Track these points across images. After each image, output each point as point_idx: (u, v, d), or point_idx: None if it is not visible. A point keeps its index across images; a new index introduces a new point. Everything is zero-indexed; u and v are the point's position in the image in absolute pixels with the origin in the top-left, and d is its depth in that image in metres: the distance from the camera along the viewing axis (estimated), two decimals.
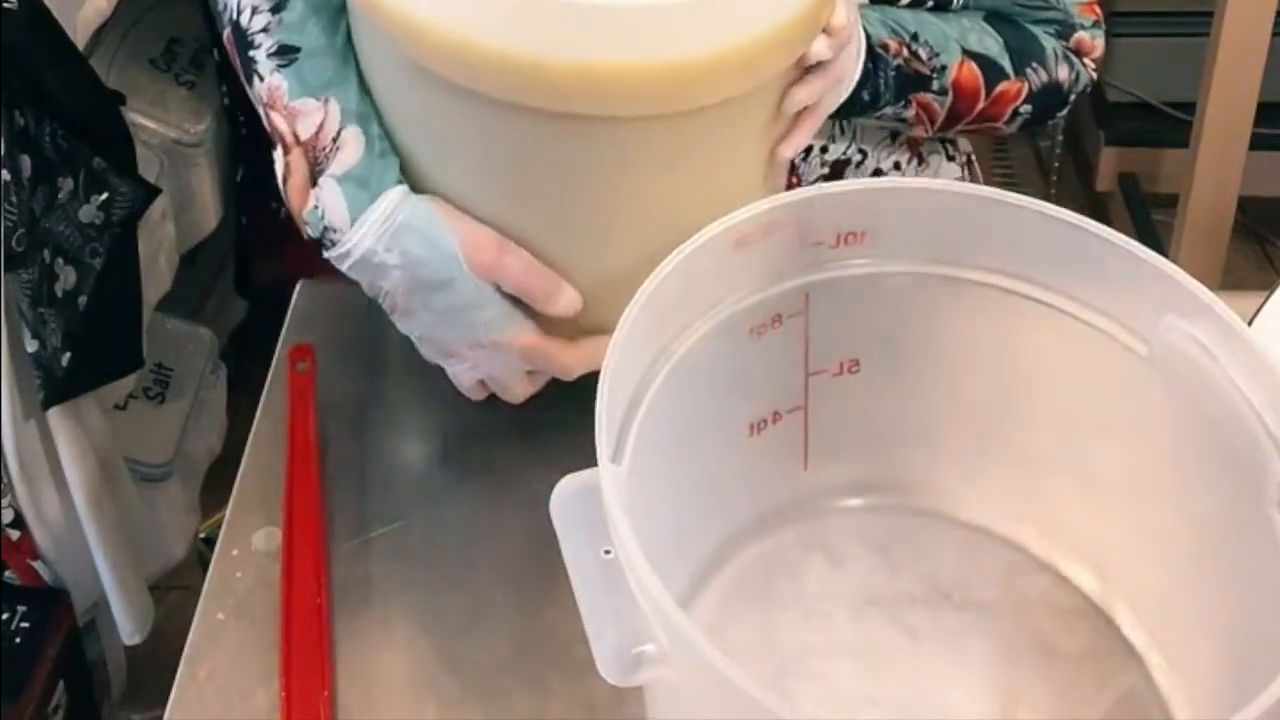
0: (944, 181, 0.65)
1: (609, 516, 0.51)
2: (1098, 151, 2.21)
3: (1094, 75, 0.93)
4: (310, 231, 0.67)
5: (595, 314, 0.69)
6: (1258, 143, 1.78)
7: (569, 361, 0.70)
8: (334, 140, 0.66)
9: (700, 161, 0.67)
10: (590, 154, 0.64)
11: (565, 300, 0.68)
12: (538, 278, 0.67)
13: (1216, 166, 1.78)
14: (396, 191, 0.66)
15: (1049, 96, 0.90)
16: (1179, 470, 0.62)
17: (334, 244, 0.66)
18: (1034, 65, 0.89)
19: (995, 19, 0.90)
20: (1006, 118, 0.90)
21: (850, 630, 0.67)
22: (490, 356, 0.70)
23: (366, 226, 0.65)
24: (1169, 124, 2.10)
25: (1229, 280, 1.83)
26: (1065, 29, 0.91)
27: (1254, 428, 0.56)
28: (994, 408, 0.68)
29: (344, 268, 0.68)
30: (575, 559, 0.52)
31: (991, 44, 0.88)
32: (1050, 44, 0.90)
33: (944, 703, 0.64)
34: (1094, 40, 0.92)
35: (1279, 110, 1.84)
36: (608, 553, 0.51)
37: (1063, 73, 0.90)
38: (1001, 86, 0.88)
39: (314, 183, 0.67)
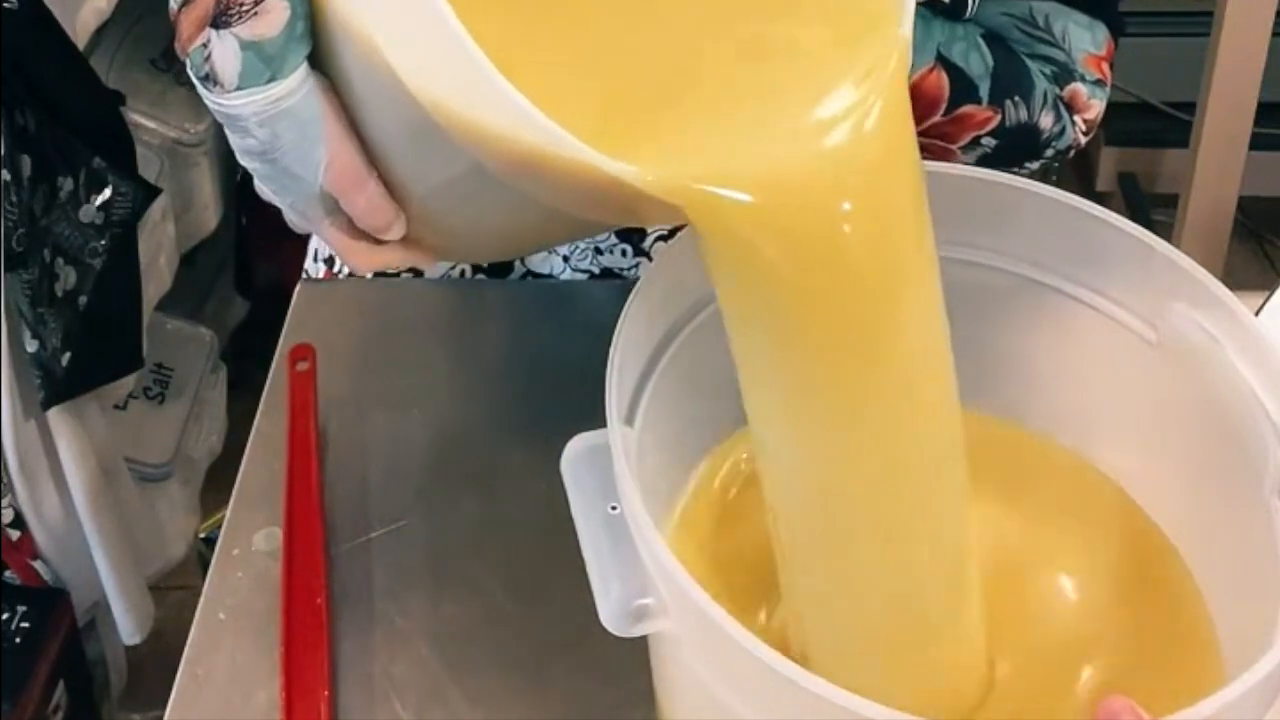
0: (954, 165, 0.64)
1: (616, 472, 0.52)
2: (1098, 151, 2.21)
3: (1082, 139, 0.87)
4: (187, 64, 0.63)
5: (413, 232, 0.67)
6: (1258, 143, 1.79)
7: (359, 263, 0.68)
8: (257, 2, 0.61)
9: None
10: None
11: (391, 234, 0.66)
12: (375, 216, 0.65)
13: (1216, 166, 1.79)
14: (295, 79, 0.61)
15: (1021, 138, 0.85)
16: (1182, 455, 0.63)
17: (209, 88, 0.62)
18: (1015, 99, 0.83)
19: (993, 41, 0.85)
20: (964, 143, 0.84)
21: None
22: (307, 224, 0.68)
23: (251, 99, 0.61)
24: (1169, 124, 2.10)
25: (1229, 280, 1.83)
26: (1063, 74, 0.86)
27: (1257, 416, 0.56)
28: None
29: (206, 102, 0.63)
30: (582, 515, 0.53)
31: (976, 63, 0.83)
32: (1043, 85, 0.85)
33: None
34: (1090, 99, 0.86)
35: (1279, 110, 1.85)
36: (614, 508, 0.52)
37: (1046, 120, 0.85)
38: (968, 109, 0.83)
39: (214, 25, 0.61)
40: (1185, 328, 0.60)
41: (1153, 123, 2.15)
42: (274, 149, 0.62)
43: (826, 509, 0.57)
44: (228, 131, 0.63)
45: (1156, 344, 0.62)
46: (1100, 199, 2.17)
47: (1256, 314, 0.80)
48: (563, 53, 0.56)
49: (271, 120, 0.61)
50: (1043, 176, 0.71)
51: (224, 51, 0.60)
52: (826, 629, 0.59)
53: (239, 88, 0.60)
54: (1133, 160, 2.20)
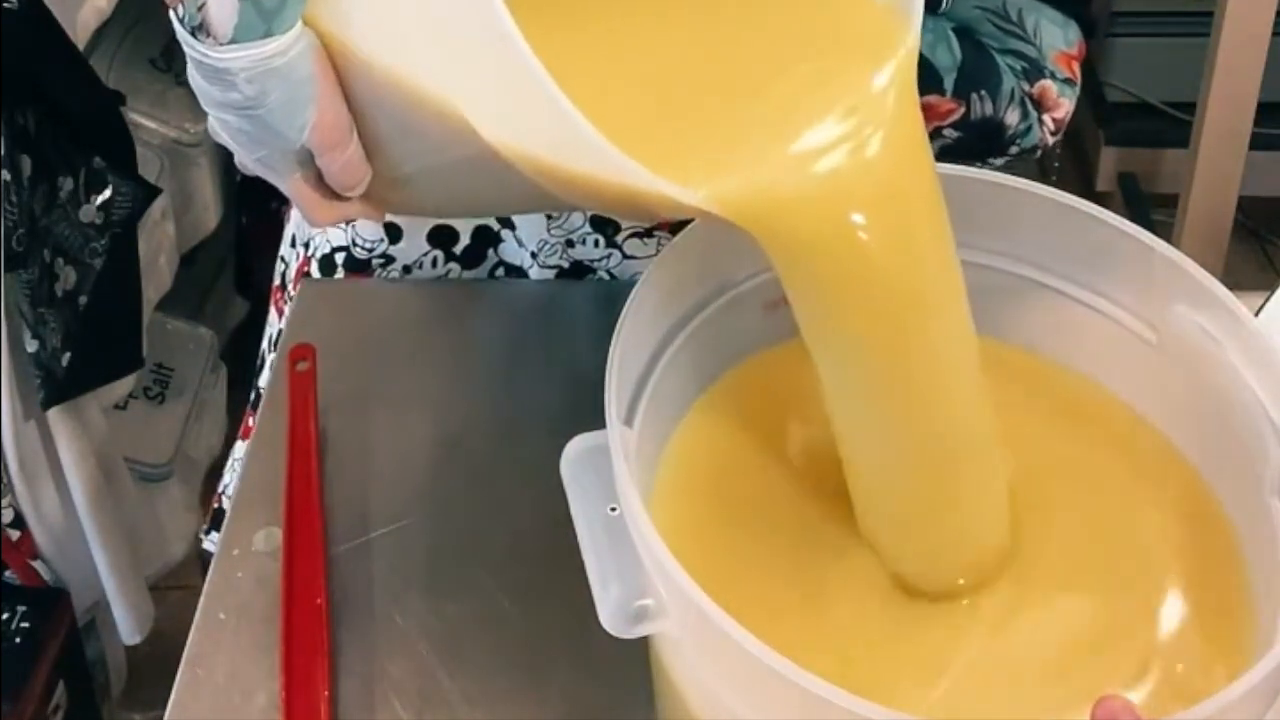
0: (956, 167, 0.65)
1: (615, 472, 0.52)
2: (1098, 151, 2.21)
3: (1049, 138, 0.87)
4: (175, 13, 0.61)
5: (374, 190, 0.66)
6: (1258, 143, 1.79)
7: (320, 218, 0.68)
8: None
9: None
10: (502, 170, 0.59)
11: (358, 191, 0.65)
12: (350, 175, 0.64)
13: (1216, 166, 1.79)
14: (290, 37, 0.59)
15: (985, 132, 0.85)
16: (1182, 455, 0.63)
17: (198, 38, 0.60)
18: (981, 93, 0.84)
19: (964, 37, 0.86)
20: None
21: None
22: (270, 175, 0.67)
23: (242, 54, 0.59)
24: (1169, 124, 2.10)
25: (1229, 280, 1.83)
26: (1033, 70, 0.86)
27: (1257, 416, 0.56)
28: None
29: (192, 54, 0.61)
30: (582, 516, 0.54)
31: (944, 55, 0.84)
32: (1011, 83, 0.85)
33: None
34: (1060, 98, 0.87)
35: (1279, 110, 1.85)
36: (613, 509, 0.53)
37: (1012, 116, 0.86)
38: (930, 99, 0.83)
39: None
40: (1186, 329, 0.60)
41: (1153, 123, 2.15)
42: (259, 105, 0.61)
43: (883, 452, 0.62)
44: (205, 84, 0.62)
45: (1157, 345, 0.62)
46: (1100, 199, 2.17)
47: (1256, 314, 0.80)
48: (595, 68, 0.59)
49: (261, 77, 0.60)
50: (1042, 177, 0.71)
51: (221, 2, 0.59)
52: (885, 511, 0.62)
53: (233, 41, 0.59)
54: (1133, 160, 2.20)
